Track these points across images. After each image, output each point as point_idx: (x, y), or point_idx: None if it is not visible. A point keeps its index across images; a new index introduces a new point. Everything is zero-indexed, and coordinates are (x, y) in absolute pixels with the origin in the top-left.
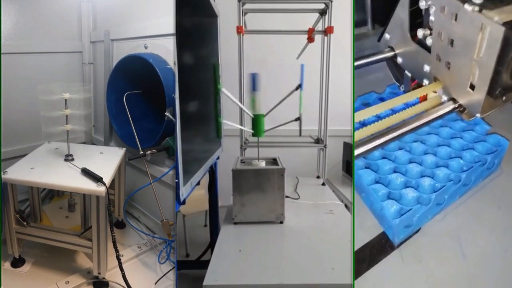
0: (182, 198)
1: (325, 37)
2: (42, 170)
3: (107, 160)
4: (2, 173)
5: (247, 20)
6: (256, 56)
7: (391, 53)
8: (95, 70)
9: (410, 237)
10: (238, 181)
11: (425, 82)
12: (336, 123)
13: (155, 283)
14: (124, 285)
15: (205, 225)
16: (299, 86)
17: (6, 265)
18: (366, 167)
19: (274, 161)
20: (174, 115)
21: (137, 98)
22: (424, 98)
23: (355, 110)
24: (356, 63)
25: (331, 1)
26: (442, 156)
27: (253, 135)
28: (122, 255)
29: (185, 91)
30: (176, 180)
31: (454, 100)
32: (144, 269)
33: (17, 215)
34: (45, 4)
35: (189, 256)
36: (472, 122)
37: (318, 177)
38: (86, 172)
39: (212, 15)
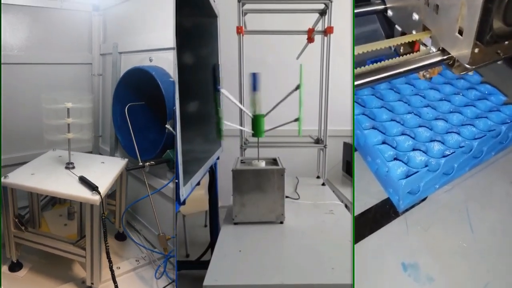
0: (182, 198)
1: (325, 37)
2: (42, 176)
3: (106, 170)
4: (3, 177)
5: (247, 21)
6: (256, 57)
7: (382, 6)
8: (104, 81)
9: (415, 205)
10: (238, 181)
11: (414, 33)
12: (336, 123)
13: None
14: None
15: (205, 225)
16: (298, 87)
17: (4, 268)
18: (373, 128)
19: (274, 161)
20: (174, 125)
21: (142, 109)
22: (417, 50)
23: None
24: None
25: (331, 1)
26: (454, 123)
27: (253, 135)
28: (119, 267)
29: (185, 92)
30: (176, 180)
31: (444, 51)
32: (140, 283)
33: (16, 219)
34: (57, 16)
35: (189, 256)
36: (486, 92)
37: (318, 177)
38: (83, 181)
39: (212, 16)
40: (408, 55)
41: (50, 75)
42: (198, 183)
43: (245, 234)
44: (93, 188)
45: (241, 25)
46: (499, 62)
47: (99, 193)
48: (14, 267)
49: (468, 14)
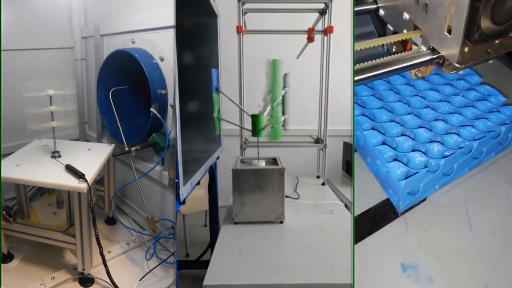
0: (182, 198)
1: (325, 37)
2: (28, 167)
3: (93, 157)
4: None
5: (247, 20)
6: (256, 56)
7: (374, 6)
8: (87, 66)
9: (415, 206)
10: (238, 181)
11: (405, 32)
12: (336, 123)
13: (140, 280)
14: (109, 281)
15: (205, 225)
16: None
17: None
18: (373, 129)
19: (274, 161)
20: (159, 111)
21: (128, 93)
22: (409, 49)
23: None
24: None
25: (331, 1)
26: (454, 124)
27: (253, 135)
28: (110, 251)
29: (185, 91)
30: (176, 180)
31: (434, 50)
32: (131, 266)
33: (4, 212)
34: (35, 1)
35: (189, 256)
36: (486, 92)
37: (318, 177)
38: (69, 169)
39: (212, 15)
40: (400, 53)
41: (30, 62)
42: (198, 183)
43: (245, 234)
44: (79, 176)
45: (241, 24)
46: (490, 62)
47: (86, 180)
48: (5, 258)
49: (455, 13)
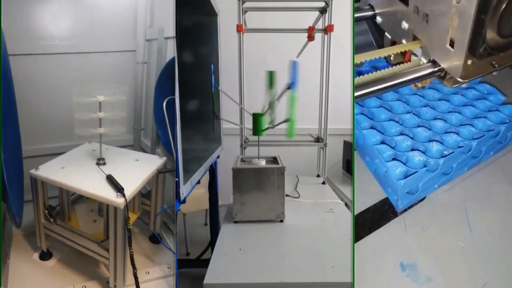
0: (182, 197)
1: (325, 36)
2: (71, 170)
3: (139, 169)
4: (34, 169)
5: (247, 19)
6: (256, 55)
7: (370, 13)
8: (149, 69)
9: (414, 205)
10: (238, 180)
11: (404, 42)
12: (336, 122)
13: None
14: None
15: (205, 224)
16: (290, 86)
17: (35, 256)
18: (371, 128)
19: (274, 160)
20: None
21: None
22: (408, 60)
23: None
24: None
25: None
26: (453, 123)
27: (253, 133)
28: (148, 273)
29: (185, 90)
30: (176, 179)
31: (435, 63)
32: None
33: (46, 211)
34: (102, 2)
35: (189, 255)
36: (486, 91)
37: (318, 175)
38: (110, 180)
39: (212, 14)
40: (398, 65)
41: (91, 64)
42: (198, 182)
43: (245, 233)
44: (118, 189)
45: (241, 23)
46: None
47: (124, 195)
48: (44, 256)
49: (459, 26)
